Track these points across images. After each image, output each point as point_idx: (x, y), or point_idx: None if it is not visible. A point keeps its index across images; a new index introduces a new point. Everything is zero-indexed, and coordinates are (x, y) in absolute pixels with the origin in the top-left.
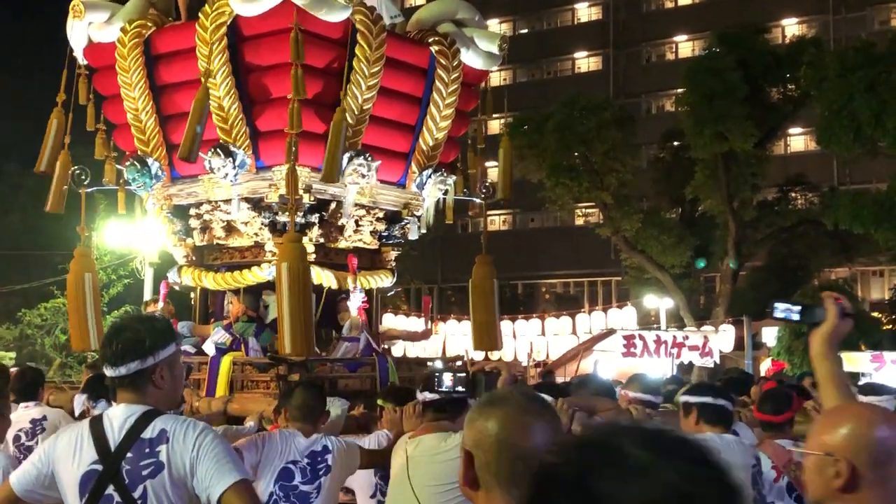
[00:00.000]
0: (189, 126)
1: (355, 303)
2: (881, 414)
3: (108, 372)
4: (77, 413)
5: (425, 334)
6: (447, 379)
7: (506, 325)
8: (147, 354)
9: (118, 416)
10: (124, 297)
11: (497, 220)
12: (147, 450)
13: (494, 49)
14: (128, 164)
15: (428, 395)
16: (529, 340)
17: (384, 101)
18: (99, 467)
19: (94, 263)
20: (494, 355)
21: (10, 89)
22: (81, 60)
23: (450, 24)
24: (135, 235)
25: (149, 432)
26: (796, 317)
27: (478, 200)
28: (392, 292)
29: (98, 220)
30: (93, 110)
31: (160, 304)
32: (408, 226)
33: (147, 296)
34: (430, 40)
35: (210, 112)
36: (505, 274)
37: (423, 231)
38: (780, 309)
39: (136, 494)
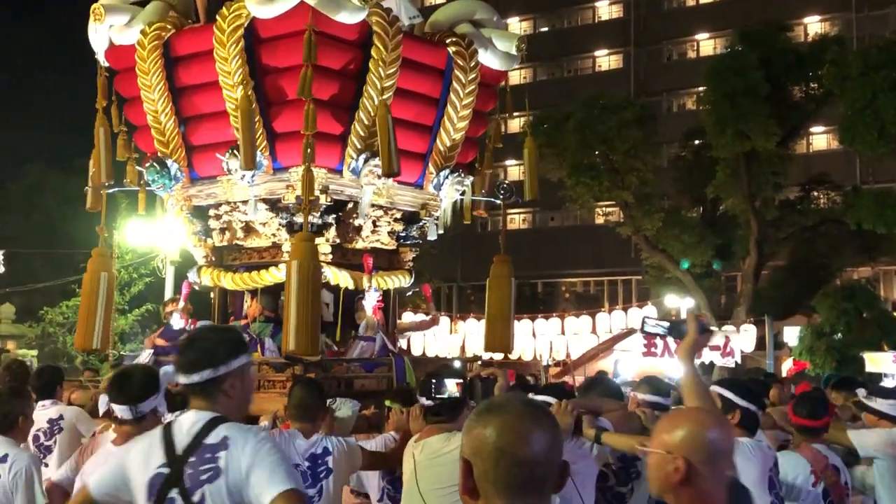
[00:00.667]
0: (243, 135)
1: (370, 302)
2: (714, 417)
3: (182, 379)
4: (101, 412)
5: (432, 322)
6: (450, 385)
7: (525, 325)
8: (219, 364)
9: (187, 422)
10: (146, 295)
11: (517, 219)
12: (208, 455)
13: (512, 50)
14: (147, 165)
15: (425, 401)
16: (549, 340)
17: (401, 101)
18: (165, 471)
19: (112, 263)
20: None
21: (29, 90)
22: (103, 63)
23: (467, 25)
24: (156, 234)
25: (212, 438)
26: (664, 331)
27: (497, 201)
28: (410, 292)
29: (119, 219)
30: (116, 112)
31: (181, 304)
32: (426, 226)
33: (168, 294)
34: (448, 41)
35: (227, 113)
36: (524, 273)
37: (441, 231)
38: (650, 324)
39: (195, 499)
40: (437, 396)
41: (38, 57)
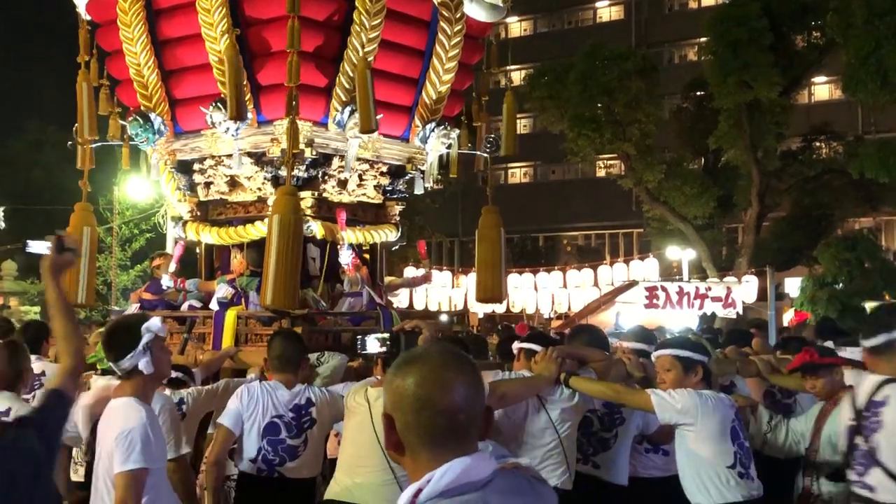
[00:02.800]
0: (229, 85)
1: (344, 259)
2: None
3: (865, 343)
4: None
5: (425, 278)
6: (370, 342)
7: (527, 278)
8: None
9: (867, 383)
10: (147, 251)
11: (518, 173)
12: (874, 410)
13: (498, 1)
14: (131, 119)
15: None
16: (551, 293)
17: (386, 53)
18: (853, 423)
19: (94, 217)
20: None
21: (27, 45)
22: (84, 16)
23: None
24: (157, 189)
25: (878, 396)
26: (47, 251)
27: (484, 154)
28: (397, 246)
29: (120, 175)
30: (97, 66)
31: (172, 266)
32: (413, 180)
33: (170, 249)
34: None
35: (210, 66)
36: (526, 226)
37: (429, 185)
38: (32, 246)
39: (871, 445)
40: (361, 353)
41: (34, 11)
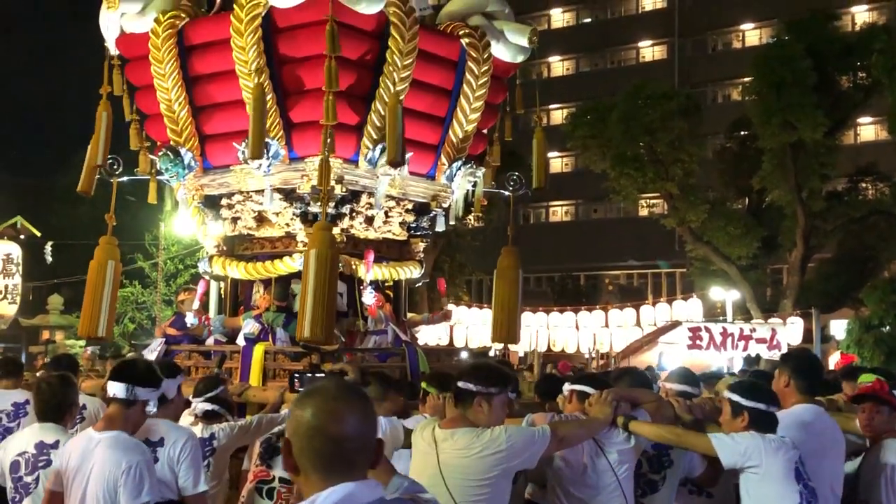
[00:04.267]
0: (253, 125)
1: (367, 300)
2: None
3: None
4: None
5: (444, 316)
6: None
7: (568, 317)
8: None
9: None
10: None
11: (560, 211)
12: None
13: (524, 42)
14: (161, 154)
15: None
16: (592, 332)
17: (415, 93)
18: None
19: (118, 251)
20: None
21: (72, 83)
22: (113, 51)
23: (480, 17)
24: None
25: None
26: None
27: (507, 192)
28: (419, 283)
29: (166, 211)
30: (128, 101)
31: (196, 304)
32: (436, 217)
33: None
34: (461, 32)
35: (242, 102)
36: (567, 265)
37: (452, 223)
38: None
39: None
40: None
41: (77, 54)
